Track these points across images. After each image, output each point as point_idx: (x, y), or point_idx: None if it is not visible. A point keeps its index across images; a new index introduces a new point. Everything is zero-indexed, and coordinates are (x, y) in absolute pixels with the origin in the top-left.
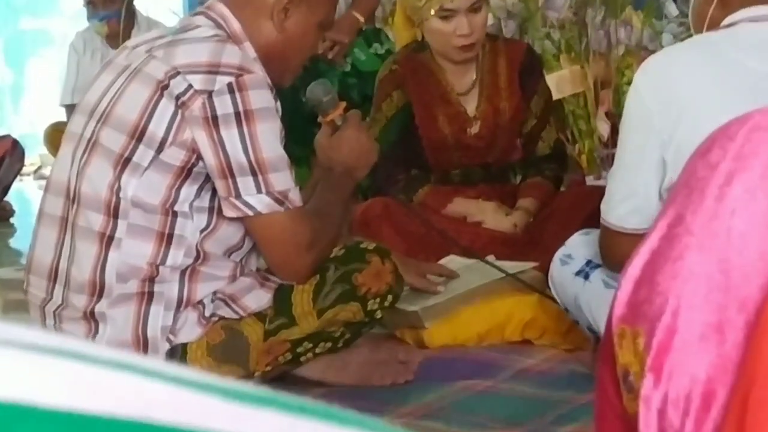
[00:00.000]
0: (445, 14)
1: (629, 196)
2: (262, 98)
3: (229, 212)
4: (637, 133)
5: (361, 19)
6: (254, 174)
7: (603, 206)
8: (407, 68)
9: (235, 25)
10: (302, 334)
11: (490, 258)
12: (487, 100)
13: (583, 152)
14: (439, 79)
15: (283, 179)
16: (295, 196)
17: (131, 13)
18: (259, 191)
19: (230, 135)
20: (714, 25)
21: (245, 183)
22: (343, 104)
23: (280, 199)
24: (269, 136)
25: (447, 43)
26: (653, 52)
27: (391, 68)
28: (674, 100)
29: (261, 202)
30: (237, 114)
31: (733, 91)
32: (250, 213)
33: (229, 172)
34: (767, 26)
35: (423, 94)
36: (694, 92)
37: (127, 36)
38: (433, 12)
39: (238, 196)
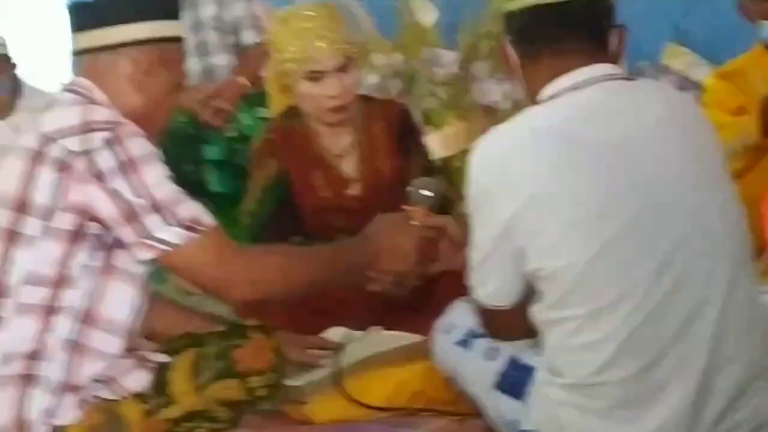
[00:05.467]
0: (314, 76)
1: (489, 277)
2: (141, 145)
3: (144, 254)
4: (485, 219)
5: (246, 84)
6: (158, 211)
7: (470, 282)
8: (281, 136)
9: (99, 95)
10: (182, 412)
11: (377, 328)
12: (366, 162)
13: None
14: (315, 144)
15: (188, 208)
16: (206, 219)
17: (17, 83)
18: (169, 224)
19: (121, 185)
20: (536, 93)
21: (152, 221)
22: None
23: (192, 226)
24: (159, 177)
25: (319, 105)
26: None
27: (263, 138)
28: (516, 185)
29: (175, 235)
30: (121, 164)
31: (568, 166)
32: (167, 248)
33: (132, 215)
34: (590, 92)
35: (299, 160)
36: (534, 175)
37: (12, 106)
38: (302, 75)
39: (149, 235)
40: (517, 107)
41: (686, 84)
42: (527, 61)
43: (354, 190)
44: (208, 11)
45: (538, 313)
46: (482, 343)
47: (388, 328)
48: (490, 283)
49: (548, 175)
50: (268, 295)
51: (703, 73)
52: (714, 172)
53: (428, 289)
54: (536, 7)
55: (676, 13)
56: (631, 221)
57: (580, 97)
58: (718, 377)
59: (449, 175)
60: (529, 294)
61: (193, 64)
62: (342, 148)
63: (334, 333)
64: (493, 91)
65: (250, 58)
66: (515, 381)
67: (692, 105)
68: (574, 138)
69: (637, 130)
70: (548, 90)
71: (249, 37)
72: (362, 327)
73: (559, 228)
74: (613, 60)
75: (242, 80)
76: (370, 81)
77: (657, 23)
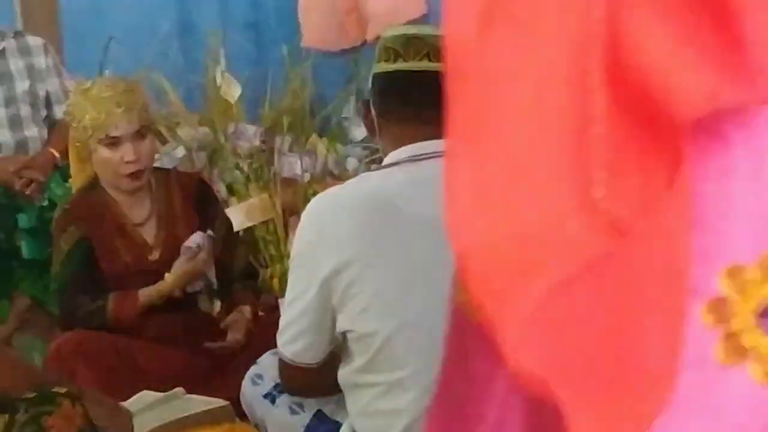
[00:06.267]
0: (111, 142)
1: (300, 335)
2: None
3: None
4: (303, 276)
5: (57, 155)
6: None
7: (278, 339)
8: (81, 208)
9: None
10: None
11: (180, 391)
12: (165, 229)
13: (275, 276)
14: (114, 213)
15: None
16: None
17: None
18: None
19: None
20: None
21: None
22: None
23: None
24: None
25: (115, 172)
26: (338, 177)
27: (63, 208)
28: (336, 246)
29: None
30: None
31: (383, 235)
32: None
33: None
34: (425, 165)
35: (99, 229)
36: (354, 239)
37: None
38: (99, 141)
39: None
40: (315, 180)
41: None
42: (383, 124)
43: (154, 255)
44: (21, 86)
45: (346, 375)
46: (288, 397)
47: (191, 391)
48: (300, 341)
49: (362, 241)
50: None
51: None
52: None
53: (234, 352)
54: (397, 73)
55: None
56: (427, 303)
57: (414, 169)
58: None
59: (252, 244)
60: (335, 354)
61: (6, 137)
62: (141, 217)
63: (142, 396)
64: (294, 164)
65: (61, 130)
66: None
67: None
68: (395, 209)
69: None
70: (390, 157)
71: (60, 111)
72: (166, 388)
73: (368, 294)
74: None
75: (53, 152)
76: (177, 153)
77: None
